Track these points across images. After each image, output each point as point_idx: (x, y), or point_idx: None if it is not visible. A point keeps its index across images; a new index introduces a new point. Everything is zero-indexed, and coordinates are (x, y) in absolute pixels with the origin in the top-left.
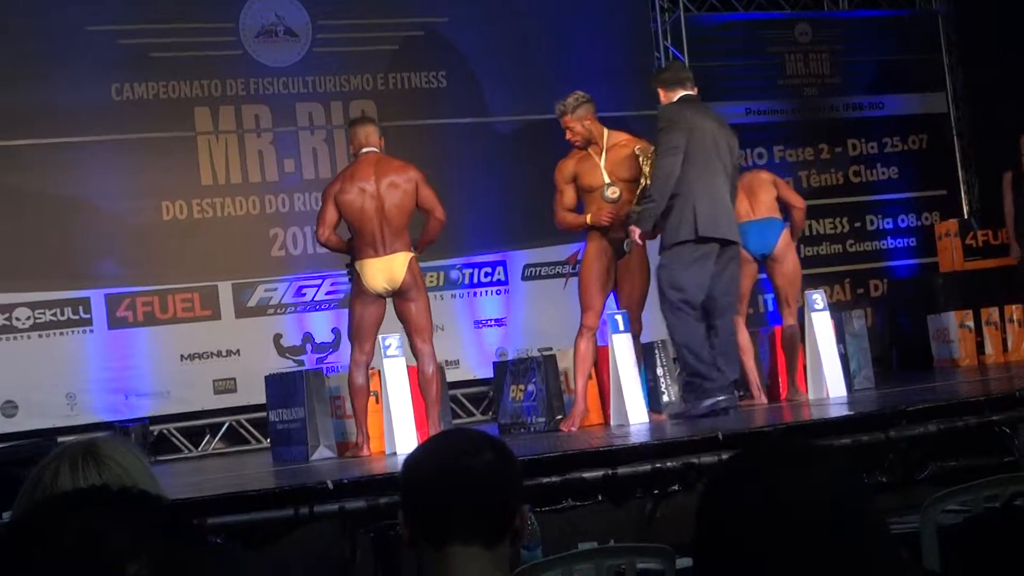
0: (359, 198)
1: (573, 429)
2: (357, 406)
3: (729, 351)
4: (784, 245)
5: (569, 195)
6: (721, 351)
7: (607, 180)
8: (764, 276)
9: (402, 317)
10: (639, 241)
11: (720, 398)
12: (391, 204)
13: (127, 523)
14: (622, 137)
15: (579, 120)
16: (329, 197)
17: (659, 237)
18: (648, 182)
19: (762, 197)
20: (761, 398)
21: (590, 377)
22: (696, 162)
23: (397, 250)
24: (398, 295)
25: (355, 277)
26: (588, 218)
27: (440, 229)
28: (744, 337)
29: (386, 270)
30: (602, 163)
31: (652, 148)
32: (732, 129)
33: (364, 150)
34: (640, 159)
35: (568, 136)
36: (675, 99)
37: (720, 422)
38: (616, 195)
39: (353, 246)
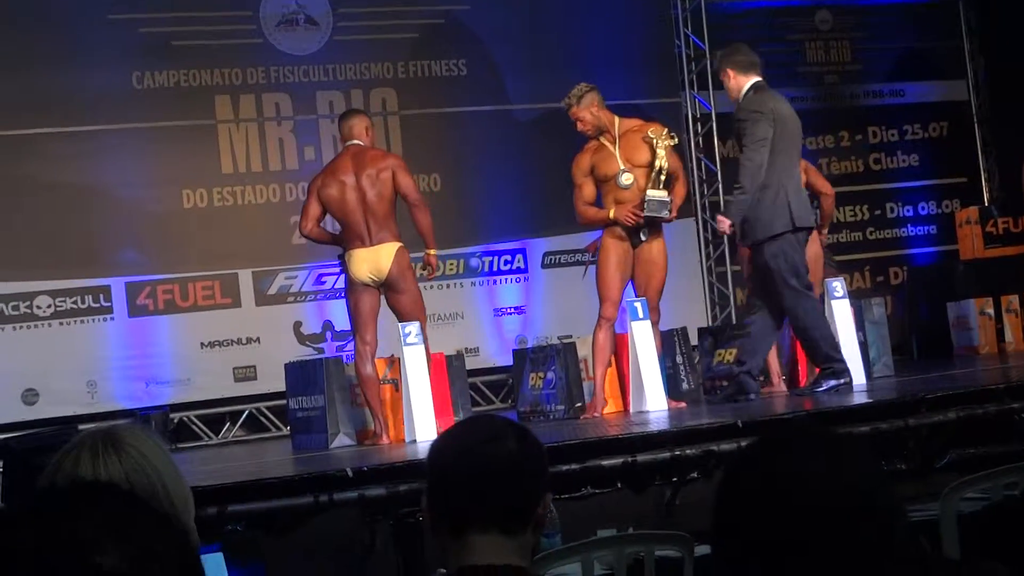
0: (340, 191)
1: (597, 415)
2: (369, 396)
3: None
4: None
5: (588, 189)
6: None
7: (621, 167)
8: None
9: (393, 309)
10: (727, 231)
11: (844, 380)
12: (372, 195)
13: (98, 516)
14: (634, 123)
15: (587, 109)
16: (312, 191)
17: (732, 230)
18: (664, 164)
19: None
20: (780, 385)
21: (609, 365)
22: (781, 152)
23: (384, 240)
24: (387, 287)
25: (345, 268)
26: (611, 213)
27: (426, 215)
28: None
29: (372, 260)
30: (616, 151)
31: (664, 131)
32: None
33: (348, 143)
34: (654, 142)
35: (580, 127)
36: (747, 85)
37: (741, 409)
38: (630, 181)
39: (342, 237)
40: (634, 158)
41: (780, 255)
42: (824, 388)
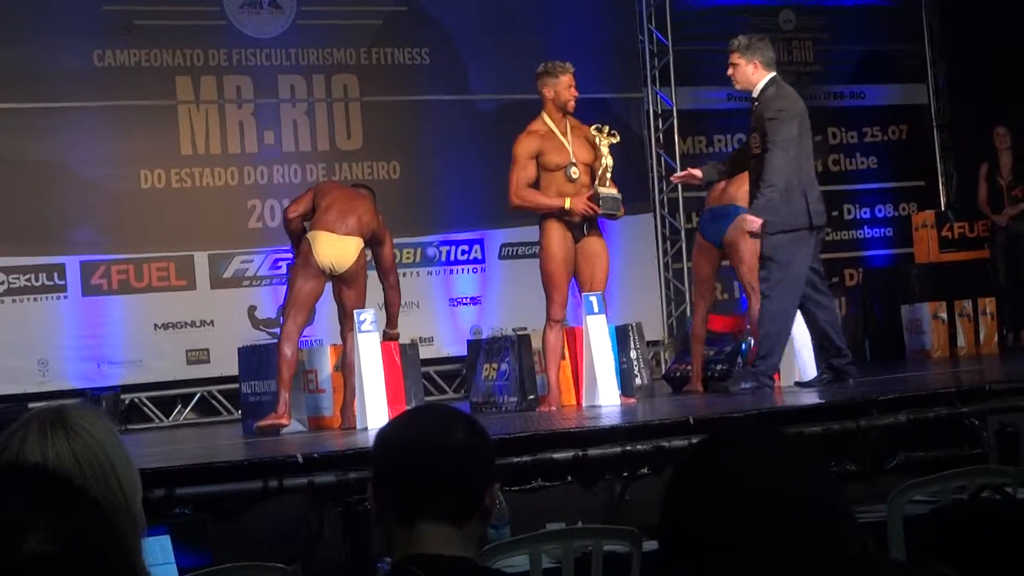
0: (337, 189)
1: (553, 409)
2: (283, 376)
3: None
4: (736, 232)
5: (531, 171)
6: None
7: (572, 159)
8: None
9: (339, 300)
10: (757, 230)
11: (764, 387)
12: (360, 210)
13: (21, 497)
14: (576, 122)
15: (567, 84)
16: (311, 189)
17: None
18: (609, 162)
19: (738, 188)
20: (699, 386)
21: (562, 357)
22: (802, 149)
23: (352, 233)
24: (341, 279)
25: (305, 248)
26: (567, 202)
27: (399, 296)
28: (699, 324)
29: (340, 248)
30: (568, 143)
31: (607, 128)
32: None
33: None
34: (596, 139)
35: (573, 94)
36: (766, 79)
37: (691, 406)
38: (577, 175)
39: (311, 219)
40: (580, 154)
41: (780, 248)
42: (740, 386)
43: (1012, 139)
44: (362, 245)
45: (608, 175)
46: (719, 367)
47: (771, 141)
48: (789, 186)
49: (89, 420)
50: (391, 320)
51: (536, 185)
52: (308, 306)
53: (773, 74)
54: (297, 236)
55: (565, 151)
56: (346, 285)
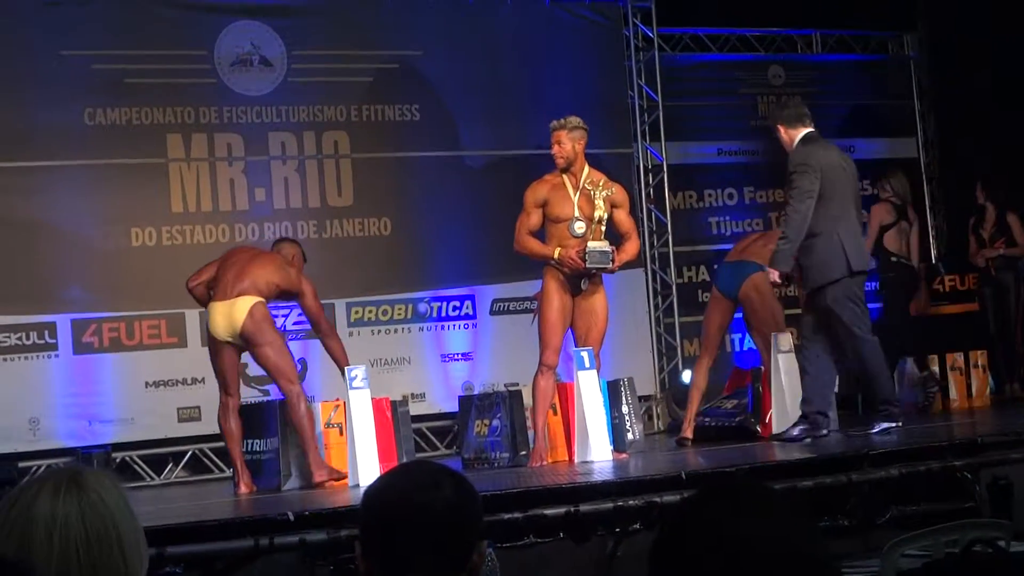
0: (233, 253)
1: (544, 464)
2: (232, 449)
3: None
4: (750, 287)
5: (535, 219)
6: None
7: (576, 214)
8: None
9: (260, 365)
10: (778, 280)
11: (897, 423)
12: (258, 259)
13: None
14: (596, 176)
15: (572, 140)
16: (219, 258)
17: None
18: (603, 214)
19: (763, 247)
20: (689, 434)
21: (555, 413)
22: (833, 200)
23: (243, 293)
24: (245, 341)
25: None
26: (556, 252)
27: (338, 342)
28: (699, 375)
29: (227, 312)
30: (575, 197)
31: (602, 179)
32: (851, 159)
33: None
34: (592, 193)
35: (555, 150)
36: (798, 137)
37: (684, 462)
38: (582, 230)
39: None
40: (587, 209)
41: (841, 301)
42: (877, 429)
43: (989, 193)
44: (256, 301)
45: (602, 228)
46: (737, 419)
47: (789, 194)
48: (825, 234)
49: (104, 487)
50: (342, 366)
51: (543, 235)
52: (227, 377)
53: (805, 131)
54: (205, 304)
55: (570, 204)
56: (251, 345)
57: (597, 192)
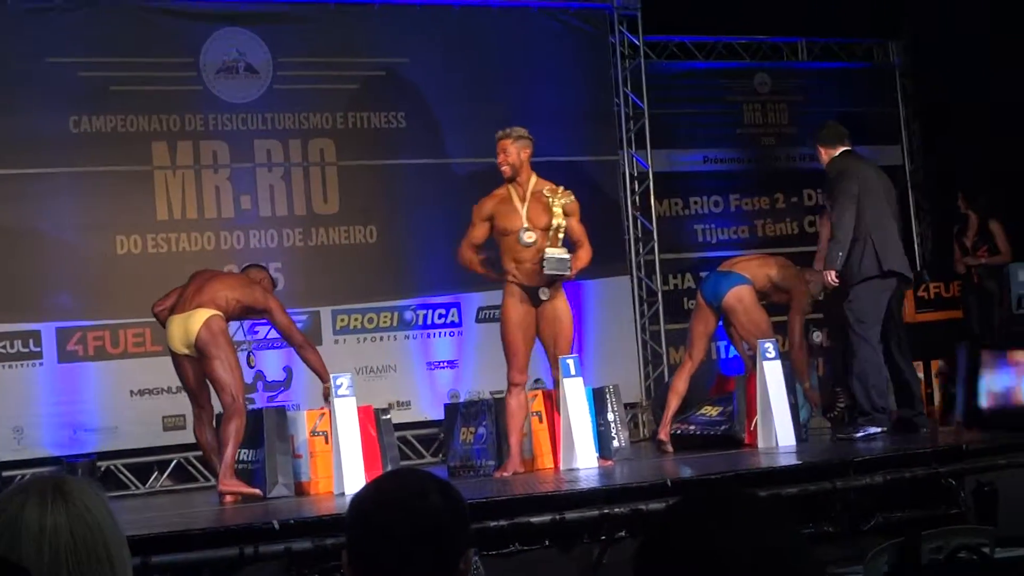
0: (200, 275)
1: (507, 475)
2: (209, 459)
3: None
4: (733, 297)
5: (479, 232)
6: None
7: (524, 224)
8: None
9: (207, 377)
10: (835, 281)
11: (883, 429)
12: (220, 278)
13: None
14: (546, 185)
15: (518, 148)
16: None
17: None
18: (561, 222)
19: (757, 267)
20: (664, 436)
21: (540, 420)
22: (868, 206)
23: (200, 306)
24: (199, 352)
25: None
26: (494, 275)
27: (315, 353)
28: (679, 380)
29: (183, 324)
30: (523, 209)
31: (560, 189)
32: (887, 174)
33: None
34: (550, 200)
35: (500, 159)
36: (836, 154)
37: (669, 469)
38: (532, 240)
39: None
40: (537, 220)
41: (855, 299)
42: (862, 434)
43: (970, 203)
44: (213, 314)
45: (560, 235)
46: (722, 427)
47: (830, 202)
48: (860, 240)
49: (88, 496)
50: (321, 376)
51: (497, 249)
52: (195, 389)
53: (843, 149)
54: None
55: (518, 216)
56: (203, 356)
57: (556, 199)
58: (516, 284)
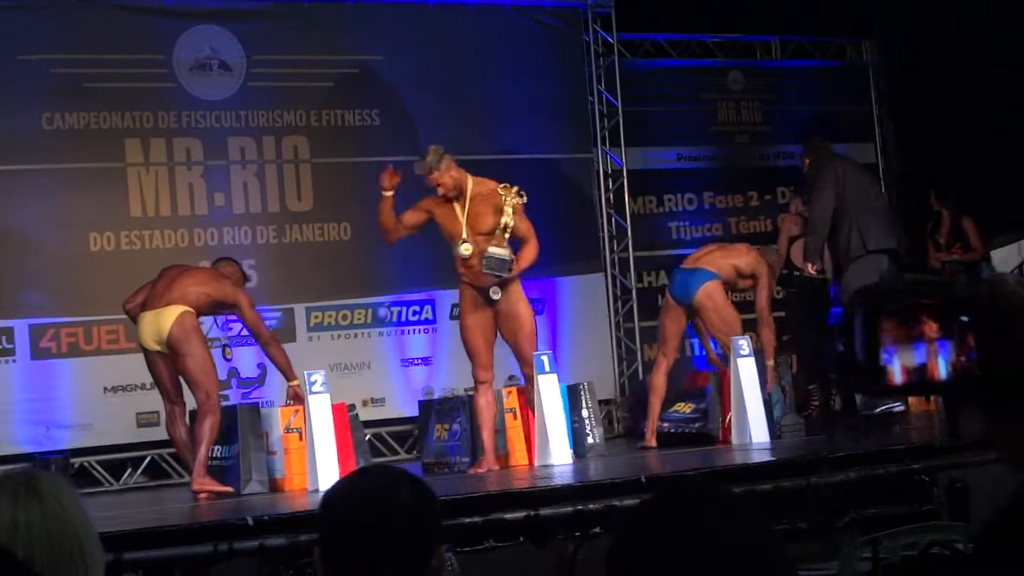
0: (169, 270)
1: (481, 471)
2: (182, 456)
3: None
4: (703, 294)
5: (414, 218)
6: None
7: (464, 236)
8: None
9: (180, 374)
10: (814, 273)
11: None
12: (190, 272)
13: None
14: (487, 186)
15: (447, 173)
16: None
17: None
18: (509, 222)
19: (721, 258)
20: (652, 442)
21: (515, 417)
22: (848, 195)
23: (171, 302)
24: (171, 350)
25: None
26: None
27: (280, 350)
28: (658, 380)
29: (154, 321)
30: (463, 216)
31: (514, 190)
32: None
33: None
34: (503, 199)
35: (441, 192)
36: (815, 156)
37: (643, 465)
38: (468, 252)
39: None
40: (478, 225)
41: (847, 281)
42: (882, 409)
43: (940, 201)
44: (185, 310)
45: (507, 235)
46: (696, 424)
47: (811, 198)
48: (845, 226)
49: (59, 491)
50: (286, 374)
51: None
52: (167, 386)
53: (822, 147)
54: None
55: (457, 225)
56: (175, 353)
57: (508, 199)
58: (468, 284)
